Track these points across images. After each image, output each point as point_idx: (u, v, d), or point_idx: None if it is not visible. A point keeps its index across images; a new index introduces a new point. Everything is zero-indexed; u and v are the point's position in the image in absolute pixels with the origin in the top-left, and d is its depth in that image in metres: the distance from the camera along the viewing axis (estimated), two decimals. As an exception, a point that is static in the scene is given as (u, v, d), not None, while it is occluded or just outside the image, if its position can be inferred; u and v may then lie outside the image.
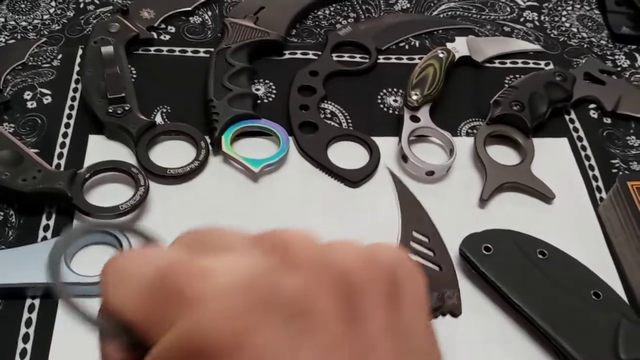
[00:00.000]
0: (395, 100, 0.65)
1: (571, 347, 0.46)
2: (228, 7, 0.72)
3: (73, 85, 0.63)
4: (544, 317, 0.48)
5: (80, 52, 0.66)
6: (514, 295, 0.49)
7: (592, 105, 0.67)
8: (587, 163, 0.62)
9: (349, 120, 0.63)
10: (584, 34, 0.75)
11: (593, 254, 0.54)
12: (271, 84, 0.65)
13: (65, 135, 0.59)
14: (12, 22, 0.69)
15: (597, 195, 0.59)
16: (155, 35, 0.69)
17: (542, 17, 0.77)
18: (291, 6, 0.72)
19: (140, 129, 0.58)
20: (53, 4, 0.71)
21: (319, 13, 0.74)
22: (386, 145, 0.60)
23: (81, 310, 0.21)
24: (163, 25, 0.70)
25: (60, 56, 0.66)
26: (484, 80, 0.68)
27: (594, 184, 0.60)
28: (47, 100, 0.62)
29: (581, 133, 0.64)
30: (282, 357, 0.18)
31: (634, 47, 0.74)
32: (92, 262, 0.50)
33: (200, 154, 0.57)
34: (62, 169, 0.56)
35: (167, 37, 0.69)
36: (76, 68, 0.65)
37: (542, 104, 0.62)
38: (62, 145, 0.58)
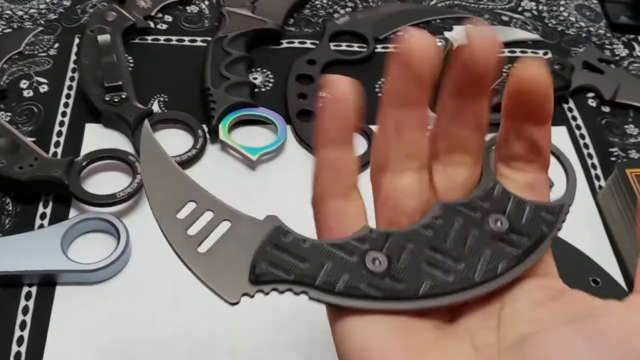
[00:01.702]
0: (393, 89, 0.65)
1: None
2: (225, -3, 0.72)
3: (70, 74, 0.63)
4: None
5: (76, 41, 0.66)
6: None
7: (591, 94, 0.67)
8: (585, 151, 0.62)
9: (347, 109, 0.63)
10: (582, 23, 0.75)
11: (592, 241, 0.54)
12: (269, 72, 0.65)
13: (61, 123, 0.59)
14: (8, 12, 0.69)
15: (596, 183, 0.59)
16: (152, 25, 0.68)
17: (540, 7, 0.77)
18: (288, -5, 0.72)
19: (137, 117, 0.57)
20: (49, -7, 0.71)
21: (317, 2, 0.74)
22: (384, 133, 0.60)
23: None
24: (160, 15, 0.70)
25: (56, 45, 0.65)
26: (482, 69, 0.68)
27: (593, 172, 0.60)
28: (43, 89, 0.61)
29: (579, 122, 0.64)
30: None
31: (632, 36, 0.74)
32: (90, 249, 0.50)
33: (197, 142, 0.57)
34: (58, 157, 0.56)
35: (164, 26, 0.69)
36: (73, 57, 0.64)
37: (541, 92, 0.62)
38: (59, 133, 0.58)
